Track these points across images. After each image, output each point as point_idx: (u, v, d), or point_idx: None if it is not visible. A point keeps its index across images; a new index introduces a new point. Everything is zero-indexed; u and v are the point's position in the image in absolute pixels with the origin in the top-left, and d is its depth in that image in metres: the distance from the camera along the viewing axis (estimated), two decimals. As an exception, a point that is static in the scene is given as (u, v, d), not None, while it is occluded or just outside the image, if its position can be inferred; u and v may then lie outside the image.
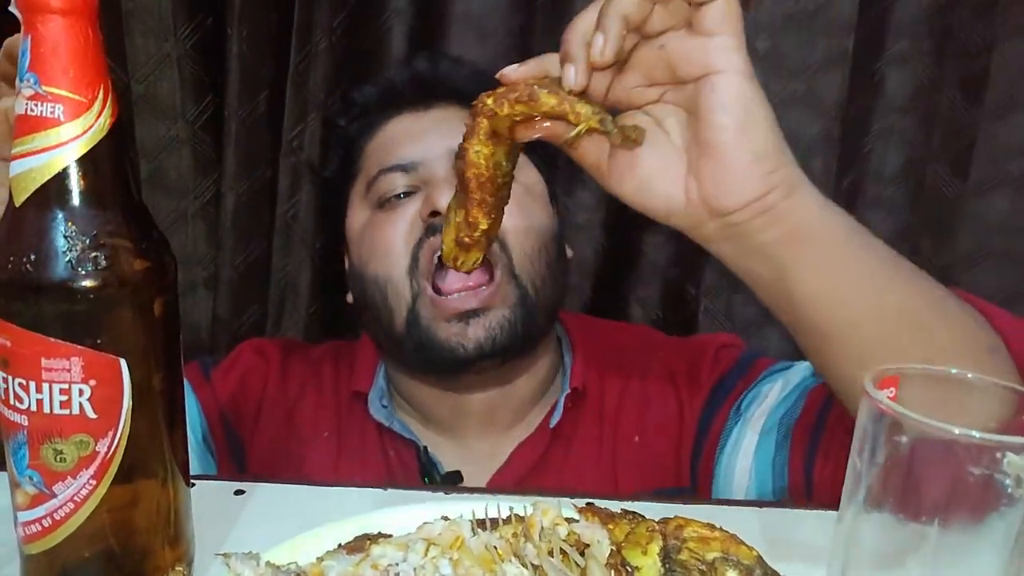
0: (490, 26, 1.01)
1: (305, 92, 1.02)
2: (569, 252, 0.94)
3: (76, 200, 0.48)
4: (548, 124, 0.55)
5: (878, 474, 0.48)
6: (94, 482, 0.50)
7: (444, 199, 0.76)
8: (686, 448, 0.88)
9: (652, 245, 1.05)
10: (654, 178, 0.56)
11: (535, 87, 0.54)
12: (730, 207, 0.54)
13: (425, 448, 0.88)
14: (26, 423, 0.49)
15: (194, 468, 0.85)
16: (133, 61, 1.00)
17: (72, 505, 0.50)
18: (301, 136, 1.04)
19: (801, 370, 0.84)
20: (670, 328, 1.08)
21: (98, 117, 0.48)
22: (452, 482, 0.86)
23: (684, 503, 0.70)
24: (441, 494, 0.71)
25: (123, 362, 0.49)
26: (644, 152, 0.55)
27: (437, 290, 0.82)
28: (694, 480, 0.87)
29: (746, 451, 0.83)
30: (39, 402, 0.48)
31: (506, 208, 0.67)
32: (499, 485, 0.86)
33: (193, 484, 0.69)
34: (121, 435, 0.50)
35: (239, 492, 0.71)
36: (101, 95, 0.48)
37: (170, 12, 1.00)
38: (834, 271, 0.57)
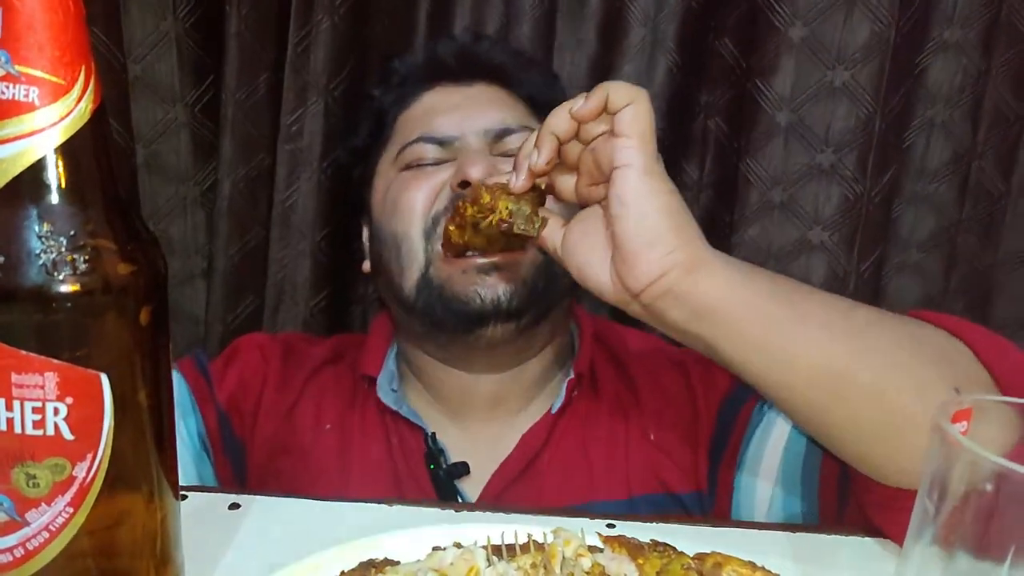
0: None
1: (305, 75, 0.97)
2: None
3: (53, 195, 0.42)
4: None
5: (950, 514, 0.43)
6: (71, 509, 0.45)
7: (476, 169, 0.78)
8: (703, 448, 0.84)
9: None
10: (590, 263, 0.62)
11: (481, 188, 0.67)
12: (635, 289, 0.60)
13: (433, 434, 0.85)
14: (-5, 444, 0.44)
15: (189, 470, 0.83)
16: (129, 40, 0.94)
17: (47, 534, 0.45)
18: (300, 121, 0.98)
19: None
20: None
21: (79, 101, 0.42)
22: (458, 473, 0.83)
23: (713, 526, 0.66)
24: (451, 512, 0.66)
25: (104, 377, 0.44)
26: (584, 240, 0.63)
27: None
28: (712, 484, 0.83)
29: (772, 452, 0.78)
30: (9, 421, 0.43)
31: None
32: (505, 475, 0.82)
33: (185, 497, 0.66)
34: (102, 458, 0.45)
35: (234, 506, 0.66)
36: (82, 76, 0.42)
37: (168, -12, 0.94)
38: (753, 341, 0.60)
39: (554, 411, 0.85)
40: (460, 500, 0.82)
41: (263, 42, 0.97)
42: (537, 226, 0.65)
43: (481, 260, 0.79)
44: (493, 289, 0.79)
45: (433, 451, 0.84)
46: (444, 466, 0.83)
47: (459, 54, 0.91)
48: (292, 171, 1.00)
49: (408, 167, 0.86)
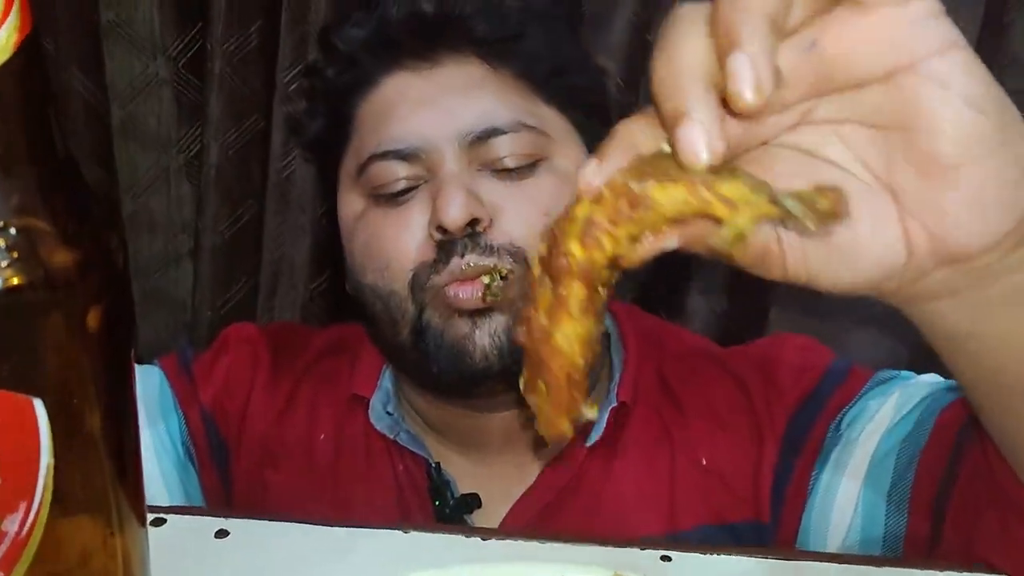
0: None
1: (305, 23, 0.84)
2: None
3: (-37, 158, 0.31)
4: (674, 232, 0.36)
5: None
6: (2, 573, 0.34)
7: (454, 209, 0.64)
8: (765, 474, 0.73)
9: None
10: (860, 239, 0.37)
11: (639, 186, 0.34)
12: (986, 244, 0.36)
13: (437, 465, 0.74)
14: None
15: (173, 481, 0.73)
16: (100, -21, 0.84)
17: (-30, 603, 0.35)
18: (299, 78, 0.87)
19: (924, 384, 0.68)
20: (736, 325, 0.91)
21: (-3, 29, 0.31)
22: (468, 506, 0.72)
23: (782, 558, 0.56)
24: (478, 540, 0.56)
25: (38, 403, 0.33)
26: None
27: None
28: (776, 514, 0.72)
29: (851, 480, 0.68)
30: (-88, 461, 0.32)
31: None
32: (525, 510, 0.72)
33: (164, 521, 0.57)
34: (40, 505, 0.35)
35: (222, 533, 0.56)
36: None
37: (146, -82, 0.83)
38: None
39: (590, 443, 0.73)
40: None
41: None
42: (831, 209, 0.34)
43: (471, 305, 0.67)
44: (481, 345, 0.66)
45: (437, 484, 0.72)
46: (451, 501, 0.72)
47: (413, 23, 0.72)
48: (289, 136, 0.89)
49: (375, 195, 0.70)
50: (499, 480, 0.74)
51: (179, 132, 0.91)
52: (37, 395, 0.33)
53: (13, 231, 0.32)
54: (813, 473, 0.70)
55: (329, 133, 0.76)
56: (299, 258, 0.94)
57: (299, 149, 0.90)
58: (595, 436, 0.72)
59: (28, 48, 0.32)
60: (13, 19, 0.31)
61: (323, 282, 0.96)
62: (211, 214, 0.90)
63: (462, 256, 0.66)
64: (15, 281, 0.32)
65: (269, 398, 0.79)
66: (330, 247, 0.94)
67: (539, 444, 0.74)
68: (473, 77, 0.70)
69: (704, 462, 0.73)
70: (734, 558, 0.55)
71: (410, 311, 0.68)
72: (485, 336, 0.66)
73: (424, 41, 0.71)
